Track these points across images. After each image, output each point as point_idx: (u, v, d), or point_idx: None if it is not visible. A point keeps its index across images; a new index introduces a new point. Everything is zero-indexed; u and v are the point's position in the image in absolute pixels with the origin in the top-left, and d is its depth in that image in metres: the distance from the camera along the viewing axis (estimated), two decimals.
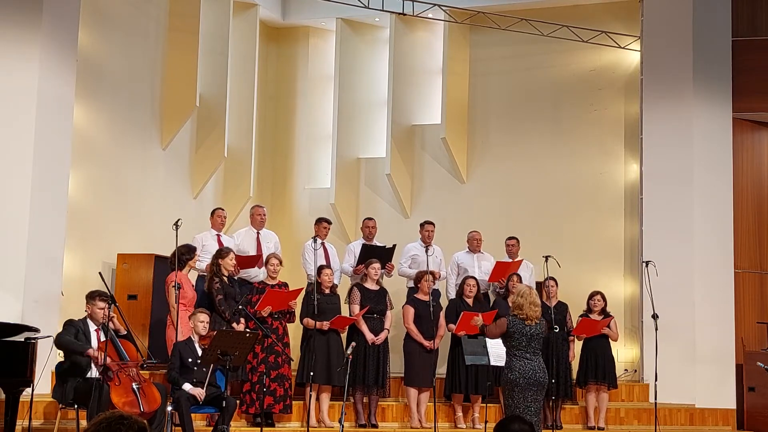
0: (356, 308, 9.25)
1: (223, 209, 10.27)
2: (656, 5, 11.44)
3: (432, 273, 9.69)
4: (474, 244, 10.60)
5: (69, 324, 7.81)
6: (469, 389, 9.52)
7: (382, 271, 9.69)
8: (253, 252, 9.94)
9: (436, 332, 9.46)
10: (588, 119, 12.26)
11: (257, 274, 9.72)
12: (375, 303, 9.32)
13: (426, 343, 9.34)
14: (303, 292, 9.45)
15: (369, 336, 9.18)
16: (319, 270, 9.24)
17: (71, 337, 7.68)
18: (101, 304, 7.78)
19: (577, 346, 10.04)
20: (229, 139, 12.06)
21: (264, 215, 10.23)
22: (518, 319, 7.52)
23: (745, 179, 11.64)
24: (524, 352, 7.48)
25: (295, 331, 10.08)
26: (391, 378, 9.49)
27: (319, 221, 10.35)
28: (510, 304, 9.49)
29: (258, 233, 10.16)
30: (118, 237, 10.35)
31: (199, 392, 7.87)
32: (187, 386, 7.87)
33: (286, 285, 9.23)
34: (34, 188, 8.73)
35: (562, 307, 9.96)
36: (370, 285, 9.42)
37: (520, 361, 7.46)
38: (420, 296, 9.54)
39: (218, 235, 9.96)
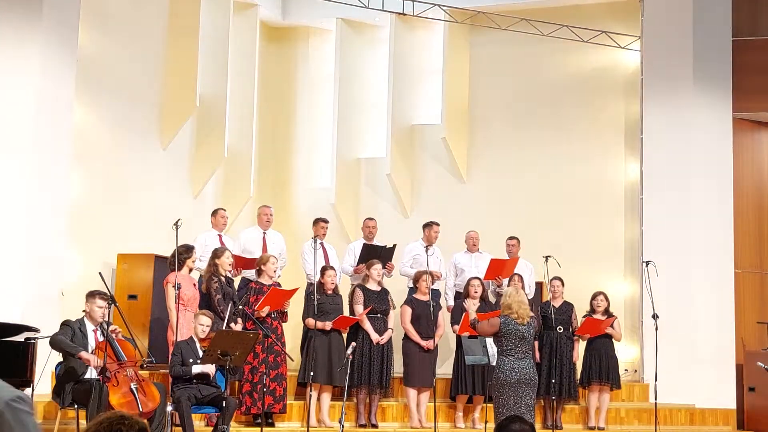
0: (360, 308, 9.25)
1: (224, 209, 10.27)
2: (656, 5, 11.44)
3: (431, 273, 9.68)
4: (471, 244, 10.60)
5: (65, 324, 7.78)
6: (476, 390, 9.51)
7: (383, 271, 9.69)
8: (259, 251, 9.91)
9: (434, 332, 9.46)
10: (588, 119, 12.26)
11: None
12: (377, 303, 9.32)
13: (423, 343, 9.34)
14: (303, 292, 9.44)
15: (374, 336, 9.17)
16: (323, 271, 9.25)
17: (66, 337, 7.66)
18: (101, 303, 7.78)
19: (580, 346, 10.04)
20: (229, 139, 12.05)
21: (271, 215, 10.24)
22: (510, 319, 7.57)
23: (745, 179, 11.64)
24: (515, 352, 7.52)
25: (295, 331, 10.09)
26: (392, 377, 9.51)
27: (317, 221, 10.35)
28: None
29: (264, 233, 10.16)
30: (118, 237, 10.34)
31: (210, 368, 7.88)
32: (196, 368, 7.89)
33: (279, 285, 9.23)
34: (34, 188, 8.74)
35: (567, 307, 9.96)
36: (372, 285, 9.42)
37: (510, 361, 7.50)
38: (419, 296, 9.54)
39: (220, 236, 9.96)
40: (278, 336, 8.92)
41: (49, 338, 7.58)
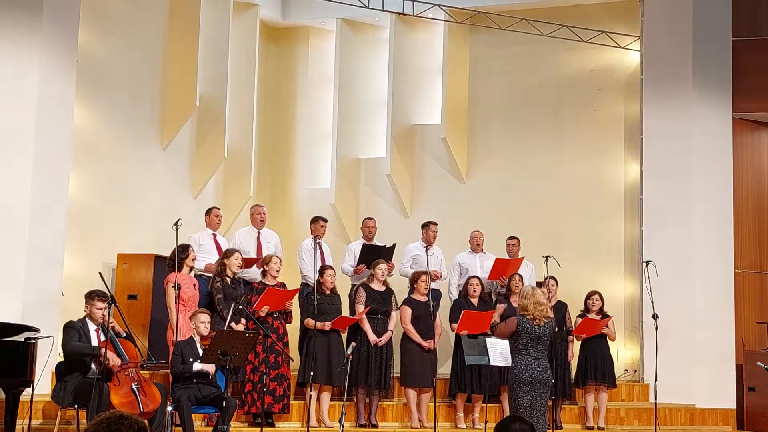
0: (361, 308, 9.24)
1: (219, 208, 10.24)
2: (656, 5, 11.44)
3: (429, 273, 9.66)
4: (475, 244, 10.60)
5: (69, 327, 7.77)
6: (473, 389, 9.50)
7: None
8: (253, 251, 9.94)
9: (434, 332, 9.45)
10: (588, 119, 12.26)
11: (258, 274, 9.69)
12: (380, 304, 9.30)
13: (424, 343, 9.33)
14: (299, 292, 9.44)
15: (372, 337, 9.16)
16: (322, 270, 9.24)
17: (76, 340, 7.66)
18: (99, 305, 7.77)
19: (575, 346, 10.04)
20: (229, 139, 12.06)
21: (264, 214, 10.23)
22: (527, 319, 7.59)
23: (745, 179, 11.64)
24: (532, 351, 7.54)
25: (293, 332, 10.08)
26: (392, 378, 9.50)
27: (316, 220, 10.31)
28: (514, 305, 9.55)
29: (258, 233, 10.16)
30: (118, 237, 10.34)
31: (210, 366, 7.88)
32: (196, 365, 7.89)
33: (284, 285, 9.23)
34: (34, 188, 8.73)
35: (561, 307, 9.96)
36: (376, 286, 9.41)
37: (527, 360, 7.52)
38: (417, 296, 9.52)
39: (214, 235, 9.95)
40: (280, 336, 8.91)
41: (62, 347, 7.56)
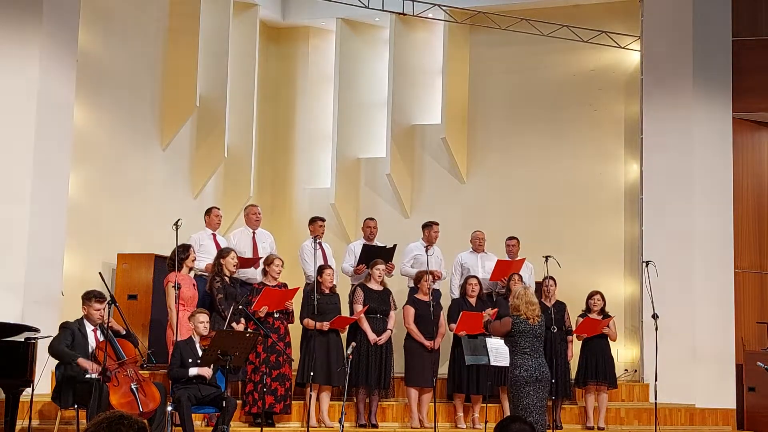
0: (359, 308, 9.25)
1: (219, 208, 10.23)
2: (656, 5, 11.44)
3: (432, 273, 9.68)
4: (477, 244, 10.61)
5: (64, 327, 7.76)
6: (470, 389, 9.51)
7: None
8: (249, 251, 9.92)
9: (436, 332, 9.45)
10: (588, 119, 12.26)
11: (255, 274, 9.69)
12: (378, 303, 9.31)
13: (427, 343, 9.33)
14: (300, 292, 9.43)
15: (371, 336, 9.17)
16: (320, 270, 9.24)
17: (66, 341, 7.64)
18: (97, 306, 7.75)
19: (575, 346, 10.04)
20: (229, 139, 12.06)
21: (259, 214, 10.22)
22: (521, 319, 7.61)
23: (745, 179, 11.63)
24: (531, 350, 7.57)
25: (295, 332, 10.08)
26: (393, 378, 9.50)
27: (315, 220, 10.31)
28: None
29: (254, 233, 10.15)
30: (118, 237, 10.35)
31: (207, 371, 7.88)
32: (193, 370, 7.89)
33: (285, 285, 9.22)
34: (34, 188, 8.73)
35: (560, 307, 9.96)
36: (374, 285, 9.41)
37: (525, 359, 7.55)
38: (420, 296, 9.53)
39: (214, 235, 9.94)
40: (281, 336, 8.90)
41: (48, 346, 7.56)
